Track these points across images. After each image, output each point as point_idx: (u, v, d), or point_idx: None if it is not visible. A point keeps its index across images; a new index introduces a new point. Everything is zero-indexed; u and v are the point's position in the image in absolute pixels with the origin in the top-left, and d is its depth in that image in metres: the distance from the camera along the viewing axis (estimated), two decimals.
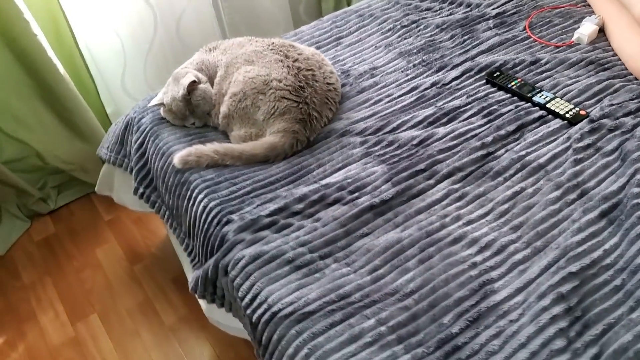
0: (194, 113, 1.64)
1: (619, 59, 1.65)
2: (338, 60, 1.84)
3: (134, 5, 2.07)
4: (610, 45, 1.72)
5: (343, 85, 1.72)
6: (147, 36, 2.14)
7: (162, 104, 1.67)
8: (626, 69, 1.62)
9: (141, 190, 1.69)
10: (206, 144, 1.53)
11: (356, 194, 1.39)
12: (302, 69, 1.60)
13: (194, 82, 1.60)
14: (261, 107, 1.55)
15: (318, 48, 1.89)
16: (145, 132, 1.68)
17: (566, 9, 1.88)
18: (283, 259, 1.24)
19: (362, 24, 1.96)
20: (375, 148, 1.51)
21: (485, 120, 1.53)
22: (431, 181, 1.40)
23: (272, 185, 1.45)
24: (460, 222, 1.30)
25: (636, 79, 1.58)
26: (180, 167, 1.52)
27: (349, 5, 2.49)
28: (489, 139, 1.47)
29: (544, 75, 1.65)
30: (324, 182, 1.43)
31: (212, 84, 1.67)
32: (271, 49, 1.65)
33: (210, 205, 1.40)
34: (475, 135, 1.49)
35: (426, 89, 1.67)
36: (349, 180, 1.42)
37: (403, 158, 1.46)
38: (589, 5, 1.89)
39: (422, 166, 1.43)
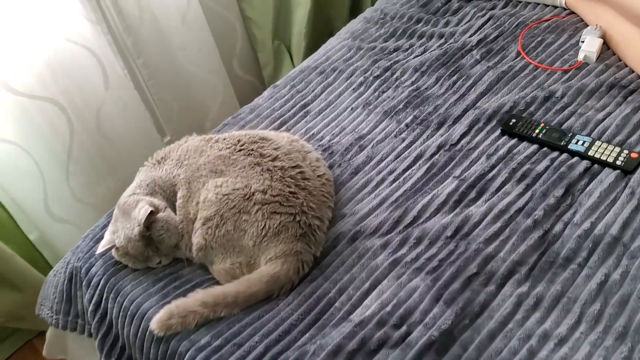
0: (158, 251, 1.27)
1: None
2: (313, 135, 1.51)
3: (42, 114, 1.66)
4: (621, 60, 1.48)
5: (330, 167, 1.40)
6: (64, 144, 1.74)
7: (113, 247, 1.29)
8: None
9: None
10: (189, 296, 1.17)
11: (404, 329, 1.07)
12: (286, 168, 1.26)
13: (151, 213, 1.23)
14: (248, 231, 1.21)
15: (283, 124, 1.56)
16: (100, 287, 1.29)
17: (554, 22, 1.62)
18: None
19: (326, 82, 1.63)
20: (403, 251, 1.20)
21: (522, 186, 1.25)
22: (491, 287, 1.10)
23: (290, 336, 1.11)
24: (551, 343, 1.01)
25: None
26: (161, 334, 1.15)
27: (290, 54, 2.15)
28: (539, 212, 1.19)
29: (566, 112, 1.38)
30: (355, 317, 1.11)
31: (172, 207, 1.31)
32: (240, 150, 1.30)
33: None
34: (520, 209, 1.21)
35: (433, 154, 1.37)
36: (388, 310, 1.10)
37: (443, 260, 1.16)
38: (574, 13, 1.64)
39: (473, 268, 1.13)
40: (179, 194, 1.30)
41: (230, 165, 1.28)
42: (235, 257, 1.22)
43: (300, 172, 1.27)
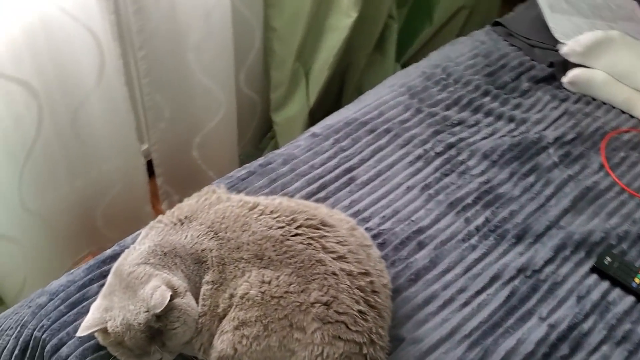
0: (163, 347, 0.94)
1: None
2: (358, 212, 1.23)
3: (7, 96, 1.26)
4: None
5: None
6: (25, 139, 1.34)
7: (103, 331, 0.95)
8: None
9: None
10: None
11: None
12: (355, 274, 0.98)
13: (170, 296, 0.91)
14: (298, 354, 0.91)
15: (323, 188, 1.26)
16: None
17: (636, 136, 1.44)
18: None
19: (377, 145, 1.35)
20: None
21: (624, 352, 1.04)
22: None
23: None
24: None
25: None
26: None
27: (307, 82, 1.83)
28: None
29: None
30: None
31: (192, 290, 0.98)
32: (296, 235, 0.99)
33: None
34: None
35: (512, 278, 1.13)
36: None
37: None
38: None
39: None
40: (207, 277, 0.98)
41: (284, 254, 0.97)
42: None
43: (370, 282, 0.99)
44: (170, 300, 0.91)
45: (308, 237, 0.99)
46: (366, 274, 0.99)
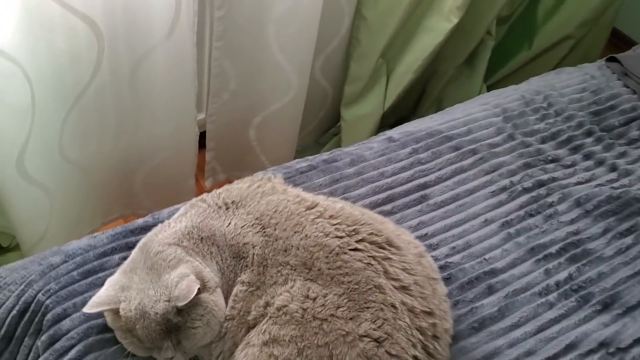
0: (178, 345, 0.81)
1: None
2: (425, 236, 1.07)
3: (70, 31, 1.15)
4: None
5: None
6: (78, 81, 1.22)
7: (114, 312, 0.81)
8: None
9: None
10: None
11: None
12: (418, 312, 0.82)
13: (198, 289, 0.78)
14: None
15: (390, 200, 1.11)
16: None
17: None
18: None
19: (459, 165, 1.19)
20: None
21: None
22: None
23: None
24: None
25: None
26: None
27: (387, 82, 1.69)
28: None
29: None
30: None
31: (224, 287, 0.84)
32: (356, 250, 0.84)
33: None
34: None
35: (592, 351, 0.96)
36: None
37: None
38: None
39: None
40: (244, 276, 0.84)
41: (337, 269, 0.82)
42: None
43: (433, 325, 0.83)
44: (196, 294, 0.78)
45: (369, 256, 0.84)
46: (430, 313, 0.83)
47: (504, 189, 1.17)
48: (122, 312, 0.80)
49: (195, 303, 0.79)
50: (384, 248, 0.85)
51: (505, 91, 1.39)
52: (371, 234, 0.86)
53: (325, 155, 1.16)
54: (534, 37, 1.94)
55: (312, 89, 1.64)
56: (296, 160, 1.16)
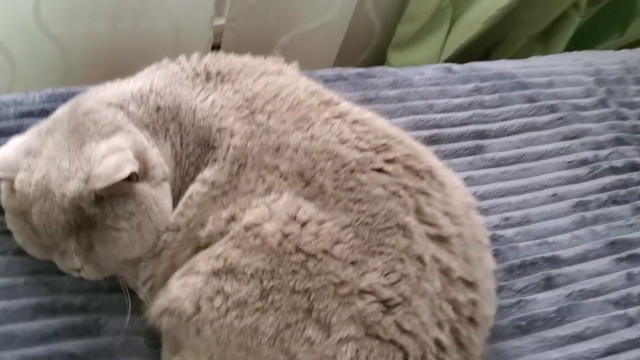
0: (91, 250, 0.53)
1: None
2: (473, 195, 0.78)
3: None
4: None
5: None
6: None
7: (9, 184, 0.55)
8: None
9: None
10: None
11: None
12: (455, 279, 0.53)
13: (129, 177, 0.50)
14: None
15: (436, 141, 0.82)
16: None
17: None
18: None
19: (531, 120, 0.90)
20: None
21: None
22: None
23: None
24: None
25: None
26: None
27: (450, 28, 1.40)
28: None
29: None
30: None
31: (176, 182, 0.57)
32: (379, 170, 0.56)
33: None
34: None
35: None
36: None
37: None
38: None
39: None
40: (207, 173, 0.56)
41: (348, 191, 0.54)
42: None
43: (473, 303, 0.54)
44: (128, 181, 0.50)
45: (398, 183, 0.55)
46: (472, 285, 0.55)
47: (584, 162, 0.88)
48: (17, 185, 0.53)
49: (125, 193, 0.52)
50: (422, 178, 0.57)
51: (601, 52, 1.10)
52: (408, 155, 0.58)
53: (361, 70, 0.88)
54: (629, 24, 1.64)
55: (357, 21, 1.35)
56: (323, 69, 0.89)
